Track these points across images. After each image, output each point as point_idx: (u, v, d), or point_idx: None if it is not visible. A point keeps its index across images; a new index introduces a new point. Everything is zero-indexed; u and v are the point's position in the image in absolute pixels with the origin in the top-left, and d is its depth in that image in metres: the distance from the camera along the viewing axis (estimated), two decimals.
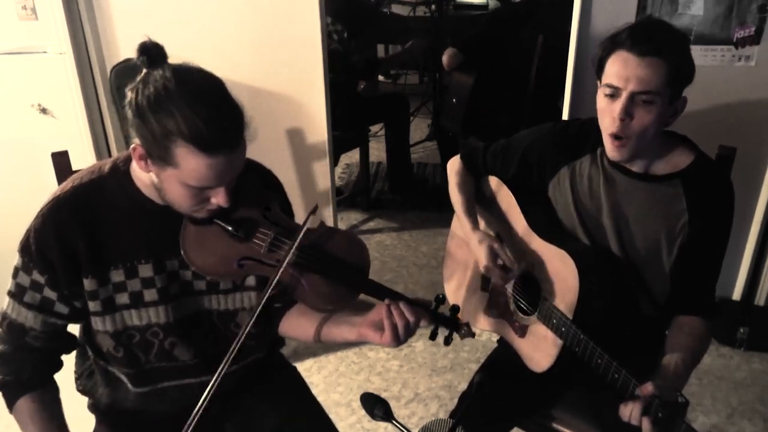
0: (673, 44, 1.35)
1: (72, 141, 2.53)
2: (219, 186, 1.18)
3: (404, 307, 1.24)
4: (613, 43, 1.36)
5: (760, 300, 2.72)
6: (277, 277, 1.21)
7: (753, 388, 2.48)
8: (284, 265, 1.22)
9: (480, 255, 1.57)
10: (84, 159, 2.51)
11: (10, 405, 1.32)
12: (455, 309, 1.31)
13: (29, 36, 2.43)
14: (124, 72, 2.52)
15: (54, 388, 1.38)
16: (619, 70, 1.34)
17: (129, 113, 1.15)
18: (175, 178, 1.15)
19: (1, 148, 2.58)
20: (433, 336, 1.31)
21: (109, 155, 2.69)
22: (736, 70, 2.29)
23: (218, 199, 1.19)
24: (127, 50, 2.51)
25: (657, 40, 1.32)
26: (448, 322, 1.30)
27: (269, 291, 1.21)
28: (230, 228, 1.25)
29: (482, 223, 1.71)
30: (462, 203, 1.68)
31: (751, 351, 2.65)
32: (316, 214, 1.26)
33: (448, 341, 1.32)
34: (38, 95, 2.52)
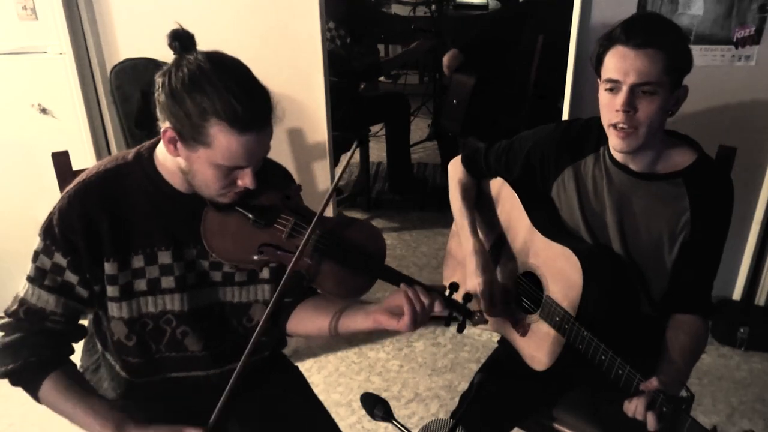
0: (667, 34, 1.37)
1: (72, 141, 2.53)
2: (248, 166, 1.21)
3: (421, 291, 1.26)
4: (609, 39, 1.38)
5: (760, 300, 2.72)
6: (295, 261, 1.23)
7: (753, 388, 2.48)
8: (302, 246, 1.23)
9: (475, 284, 1.59)
10: (84, 159, 2.51)
11: (36, 388, 1.29)
12: (468, 296, 1.32)
13: (29, 36, 2.43)
14: (124, 72, 2.52)
15: (75, 366, 1.37)
16: (618, 63, 1.35)
17: (161, 97, 1.18)
18: (206, 159, 1.19)
19: (1, 148, 2.58)
20: (447, 322, 1.33)
21: (109, 155, 2.69)
22: (736, 70, 2.29)
23: (245, 180, 1.23)
24: (127, 50, 2.51)
25: (651, 32, 1.34)
26: (461, 309, 1.31)
27: (289, 273, 1.22)
28: (251, 215, 1.27)
29: (481, 235, 1.71)
30: (465, 217, 1.68)
31: (751, 351, 2.65)
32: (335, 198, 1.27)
33: (461, 328, 1.34)
34: (38, 95, 2.52)
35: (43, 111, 2.54)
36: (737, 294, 2.72)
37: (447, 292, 1.30)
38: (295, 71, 2.58)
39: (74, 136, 2.56)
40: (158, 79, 1.20)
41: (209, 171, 1.21)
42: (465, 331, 1.31)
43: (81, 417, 1.29)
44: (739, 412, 2.37)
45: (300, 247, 1.23)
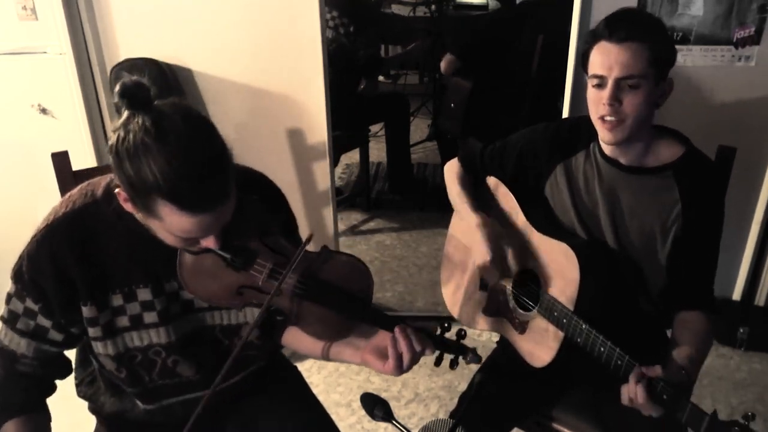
0: (648, 27, 1.40)
1: (72, 141, 2.53)
2: (207, 236, 1.15)
3: (411, 335, 1.20)
4: (593, 36, 1.42)
5: (760, 300, 2.72)
6: (269, 306, 1.19)
7: (753, 388, 2.48)
8: (272, 294, 1.18)
9: (483, 253, 1.56)
10: (84, 159, 2.51)
11: None
12: (461, 334, 1.27)
13: (29, 36, 2.43)
14: (124, 72, 2.52)
15: (45, 415, 1.33)
16: (602, 59, 1.39)
17: (110, 158, 1.09)
18: (161, 227, 1.12)
19: (1, 148, 2.58)
20: (438, 362, 1.29)
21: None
22: (736, 70, 2.29)
23: (208, 243, 1.15)
24: (127, 50, 2.51)
25: (633, 26, 1.38)
26: (455, 348, 1.27)
27: (259, 319, 1.20)
28: (228, 256, 1.19)
29: None
30: (465, 197, 1.70)
31: (751, 351, 2.65)
32: (311, 242, 1.19)
33: (453, 365, 1.28)
34: (38, 95, 2.52)
35: (43, 111, 2.54)
36: (737, 294, 2.72)
37: (439, 332, 1.25)
38: (295, 71, 2.57)
39: (74, 136, 2.56)
40: (110, 134, 1.08)
41: (168, 236, 1.14)
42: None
43: None
44: (739, 412, 2.36)
45: (271, 295, 1.17)
